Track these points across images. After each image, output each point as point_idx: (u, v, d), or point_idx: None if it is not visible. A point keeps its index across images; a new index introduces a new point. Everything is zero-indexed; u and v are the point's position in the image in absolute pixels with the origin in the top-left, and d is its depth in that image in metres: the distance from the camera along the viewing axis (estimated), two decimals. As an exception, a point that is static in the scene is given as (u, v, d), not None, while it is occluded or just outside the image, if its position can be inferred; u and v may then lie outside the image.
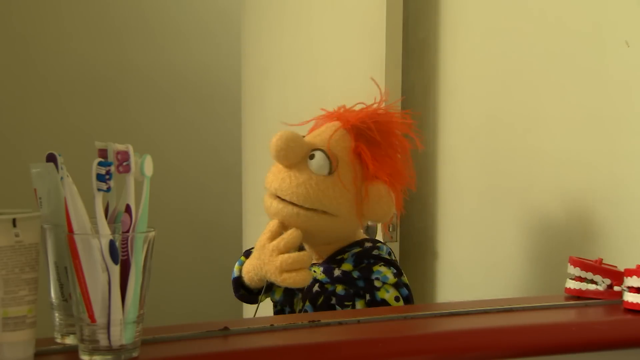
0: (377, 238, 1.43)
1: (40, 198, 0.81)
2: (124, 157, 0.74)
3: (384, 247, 1.30)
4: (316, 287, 1.24)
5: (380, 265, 1.25)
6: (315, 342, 0.87)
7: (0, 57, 2.53)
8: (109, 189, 0.73)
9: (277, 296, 1.29)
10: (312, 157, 1.23)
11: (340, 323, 0.93)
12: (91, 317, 0.72)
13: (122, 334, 0.73)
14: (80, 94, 2.67)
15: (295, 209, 1.22)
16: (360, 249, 1.28)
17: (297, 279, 1.17)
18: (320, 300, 1.23)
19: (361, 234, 1.33)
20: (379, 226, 1.58)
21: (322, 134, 1.27)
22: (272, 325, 0.90)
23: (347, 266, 1.26)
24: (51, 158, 0.80)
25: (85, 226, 0.73)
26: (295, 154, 1.22)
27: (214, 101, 2.85)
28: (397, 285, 1.24)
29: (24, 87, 2.59)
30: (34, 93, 2.61)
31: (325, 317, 1.02)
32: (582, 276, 1.04)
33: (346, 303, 1.22)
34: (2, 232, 0.70)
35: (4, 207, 0.72)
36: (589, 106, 1.27)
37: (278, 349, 0.84)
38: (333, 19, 1.86)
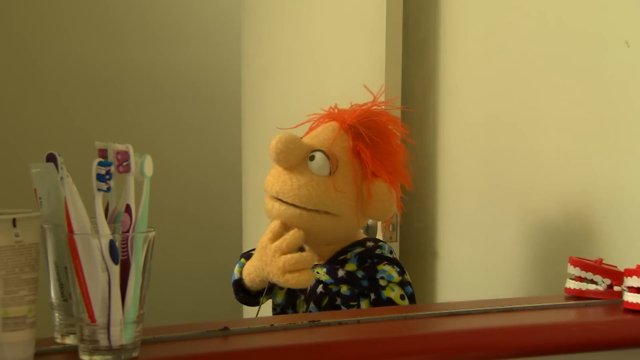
0: (377, 237, 1.43)
1: (40, 198, 0.81)
2: (124, 157, 0.74)
3: (386, 246, 1.30)
4: (320, 289, 1.24)
5: (384, 264, 1.25)
6: (315, 342, 0.87)
7: (0, 57, 2.53)
8: (109, 189, 0.73)
9: (279, 299, 1.29)
10: (312, 158, 1.23)
11: (340, 323, 0.93)
12: (91, 317, 0.72)
13: (122, 334, 0.73)
14: (80, 94, 2.67)
15: (298, 211, 1.22)
16: (362, 248, 1.28)
17: (300, 280, 1.17)
18: (325, 301, 1.23)
19: (362, 234, 1.33)
20: (379, 225, 1.58)
21: (320, 135, 1.27)
22: (272, 325, 0.90)
23: (350, 266, 1.26)
24: (51, 158, 0.80)
25: (85, 226, 0.73)
26: (295, 156, 1.22)
27: (214, 101, 2.85)
28: (402, 284, 1.25)
29: (24, 87, 2.59)
30: (34, 93, 2.61)
31: (325, 317, 1.02)
32: (582, 276, 1.04)
33: (351, 303, 1.22)
34: (2, 232, 0.70)
35: (4, 207, 0.72)
36: (589, 106, 1.27)
37: (278, 349, 0.84)
38: (333, 19, 1.86)
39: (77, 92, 2.66)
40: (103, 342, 0.73)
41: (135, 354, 0.75)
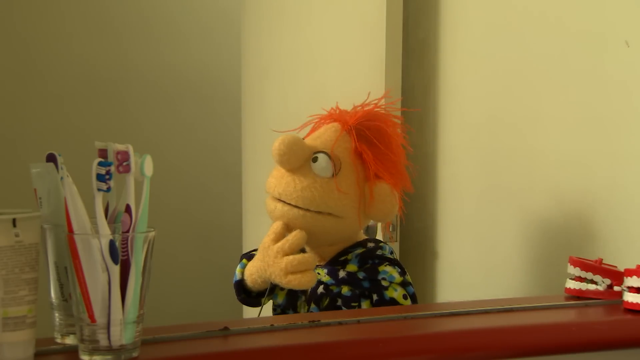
0: (377, 238, 1.43)
1: (40, 198, 0.80)
2: (124, 157, 0.74)
3: (387, 247, 1.31)
4: (321, 289, 1.24)
5: (385, 265, 1.26)
6: (315, 342, 0.87)
7: (0, 57, 2.53)
8: (109, 189, 0.73)
9: (280, 299, 1.29)
10: (315, 159, 1.23)
11: (340, 323, 0.93)
12: (91, 317, 0.72)
13: (122, 334, 0.73)
14: (80, 94, 2.67)
15: (301, 212, 1.22)
16: (363, 249, 1.28)
17: (302, 281, 1.17)
18: (326, 302, 1.23)
19: (362, 235, 1.33)
20: (379, 226, 1.58)
21: (322, 136, 1.27)
22: (272, 325, 0.90)
23: (351, 267, 1.26)
24: (51, 158, 0.80)
25: (85, 226, 0.73)
26: (298, 158, 1.22)
27: (214, 101, 2.85)
28: (404, 284, 1.25)
29: (24, 87, 2.59)
30: (34, 93, 2.61)
31: (325, 317, 1.02)
32: (582, 276, 1.04)
33: (352, 304, 1.22)
34: (2, 232, 0.70)
35: (4, 207, 0.72)
36: (589, 106, 1.27)
37: (278, 349, 0.84)
38: (333, 19, 1.86)
39: (77, 92, 2.66)
40: (103, 342, 0.73)
41: (135, 354, 0.75)
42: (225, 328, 0.86)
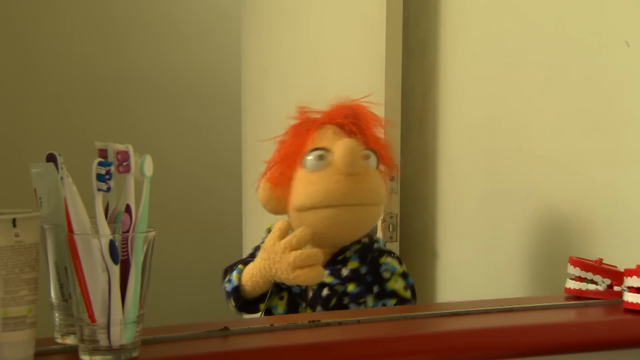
0: (377, 237, 1.43)
1: (40, 198, 0.80)
2: (124, 157, 0.74)
3: (380, 240, 1.34)
4: (326, 291, 1.24)
5: (385, 257, 1.28)
6: (315, 342, 0.87)
7: (0, 57, 2.53)
8: (109, 189, 0.73)
9: (281, 309, 1.28)
10: (367, 157, 1.25)
11: (340, 323, 0.93)
12: (91, 317, 0.72)
13: (122, 334, 0.73)
14: (80, 94, 2.67)
15: (358, 208, 1.24)
16: (359, 245, 1.28)
17: (310, 275, 1.16)
18: (333, 302, 1.23)
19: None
20: (379, 225, 1.58)
21: (338, 135, 1.27)
22: (272, 325, 0.90)
23: (353, 264, 1.26)
24: (51, 158, 0.80)
25: (85, 226, 0.73)
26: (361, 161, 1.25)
27: (214, 101, 2.85)
28: (404, 275, 1.28)
29: (24, 87, 2.60)
30: (34, 93, 2.61)
31: (325, 317, 1.02)
32: (582, 276, 1.04)
33: (360, 300, 1.22)
34: (2, 232, 0.70)
35: (4, 207, 0.72)
36: (589, 106, 1.27)
37: (278, 349, 0.84)
38: (333, 18, 1.86)
39: (77, 92, 2.67)
40: (103, 342, 0.73)
41: (135, 354, 0.75)
42: (225, 328, 0.86)
